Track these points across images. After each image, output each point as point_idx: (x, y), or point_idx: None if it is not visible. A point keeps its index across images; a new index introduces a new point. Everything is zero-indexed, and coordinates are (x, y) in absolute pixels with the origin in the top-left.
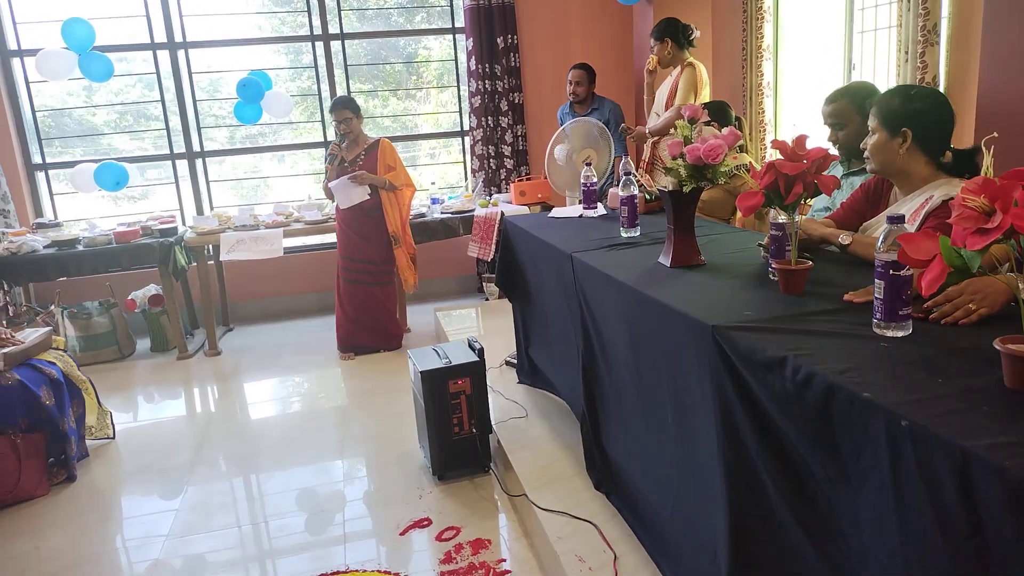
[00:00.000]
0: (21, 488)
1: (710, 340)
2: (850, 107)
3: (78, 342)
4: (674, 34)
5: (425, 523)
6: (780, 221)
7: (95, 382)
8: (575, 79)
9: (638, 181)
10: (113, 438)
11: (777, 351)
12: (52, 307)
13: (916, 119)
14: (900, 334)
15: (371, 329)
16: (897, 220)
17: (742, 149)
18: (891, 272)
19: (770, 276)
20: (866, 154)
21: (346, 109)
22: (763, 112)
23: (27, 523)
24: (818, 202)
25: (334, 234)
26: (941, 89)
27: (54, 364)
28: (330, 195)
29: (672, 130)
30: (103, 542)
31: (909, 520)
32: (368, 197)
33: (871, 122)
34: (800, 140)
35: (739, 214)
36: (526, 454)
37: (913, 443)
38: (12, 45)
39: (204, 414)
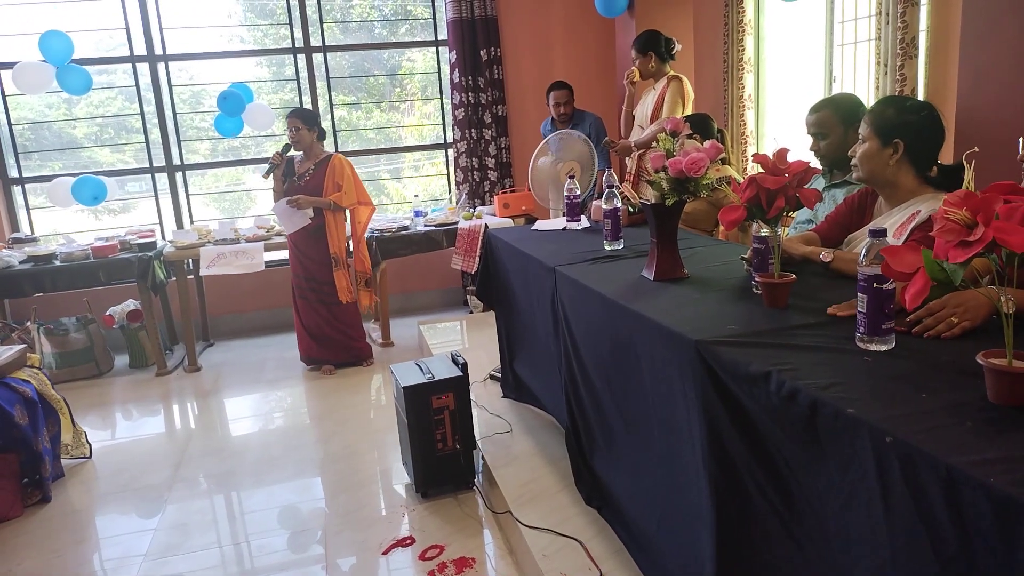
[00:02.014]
0: None
1: (694, 355)
2: (834, 118)
3: (54, 359)
4: (656, 47)
5: (408, 542)
6: (763, 234)
7: (72, 399)
8: (560, 100)
9: (621, 193)
10: (90, 457)
11: (761, 366)
12: (28, 323)
13: (910, 131)
14: (883, 348)
15: (335, 346)
16: (879, 234)
17: (724, 162)
18: (874, 285)
19: (753, 290)
20: (854, 161)
21: (296, 118)
22: (745, 124)
23: (1, 546)
24: (801, 214)
25: None
26: None
27: (28, 382)
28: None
29: (655, 143)
30: (78, 564)
31: (898, 535)
32: (310, 221)
33: (863, 130)
34: (781, 154)
35: (722, 227)
36: (511, 470)
37: (899, 459)
38: None
39: (183, 431)
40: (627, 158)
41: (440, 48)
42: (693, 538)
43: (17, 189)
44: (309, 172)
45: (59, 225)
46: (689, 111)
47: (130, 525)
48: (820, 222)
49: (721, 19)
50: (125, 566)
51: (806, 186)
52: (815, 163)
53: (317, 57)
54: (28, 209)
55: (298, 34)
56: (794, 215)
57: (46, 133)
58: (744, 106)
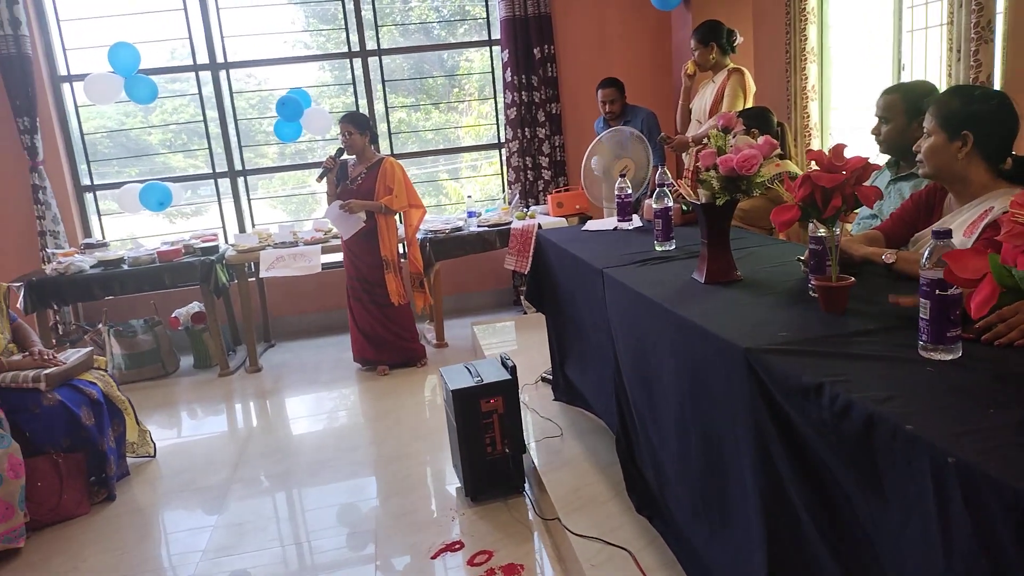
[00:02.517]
0: (62, 507)
1: (743, 363)
2: (900, 104)
3: (123, 360)
4: (719, 37)
5: (457, 547)
6: (819, 235)
7: (139, 399)
8: (607, 98)
9: (675, 191)
10: (154, 456)
11: (814, 376)
12: (100, 325)
13: (978, 122)
14: (948, 357)
15: (388, 347)
16: (943, 235)
17: (784, 156)
18: (936, 292)
19: (810, 293)
20: (919, 157)
21: (348, 123)
22: (808, 117)
23: (67, 543)
24: (864, 210)
25: None
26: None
27: (95, 384)
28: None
29: (706, 139)
30: (140, 562)
31: (956, 562)
32: (363, 224)
33: (927, 123)
34: (837, 149)
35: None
36: (560, 475)
37: (961, 482)
38: (62, 71)
39: (243, 431)
40: (684, 154)
41: (493, 47)
42: (744, 558)
43: (89, 196)
44: (361, 176)
45: (136, 229)
46: (750, 104)
47: (190, 523)
48: (885, 219)
49: (783, 8)
50: (184, 563)
51: (866, 183)
52: (876, 158)
53: (373, 61)
54: (99, 215)
55: (355, 38)
56: (858, 211)
57: (123, 140)
58: (807, 98)
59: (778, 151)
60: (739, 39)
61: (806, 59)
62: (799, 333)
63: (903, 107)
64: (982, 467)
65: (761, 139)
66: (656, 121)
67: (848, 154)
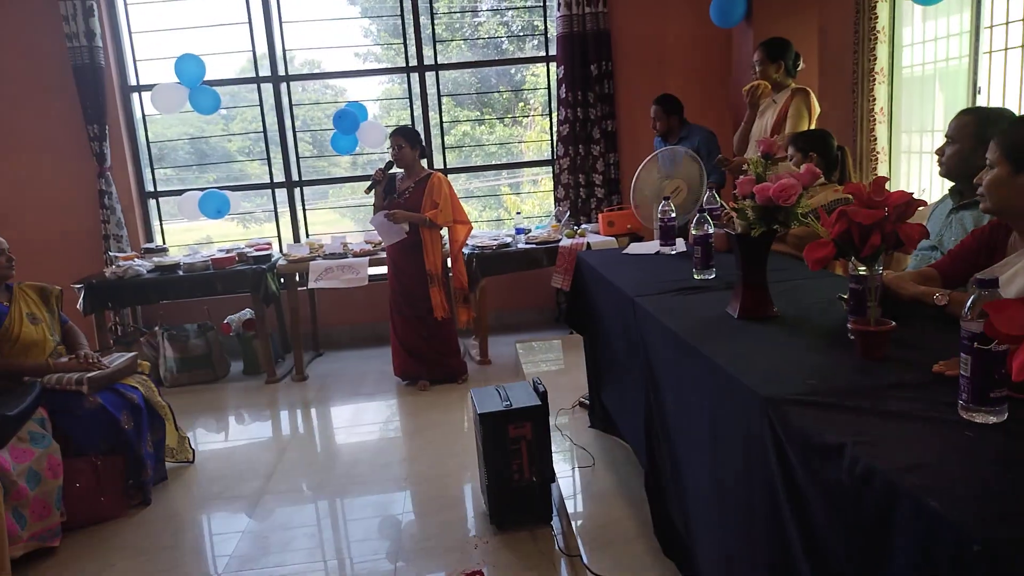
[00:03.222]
0: (99, 509)
1: (761, 413)
2: (971, 127)
3: (175, 363)
4: (787, 55)
5: None
6: (859, 273)
7: (187, 402)
8: (654, 115)
9: (726, 215)
10: (192, 462)
11: (836, 435)
12: (155, 328)
13: None
14: (991, 420)
15: (429, 361)
16: (988, 284)
17: (844, 182)
18: (977, 346)
19: (849, 335)
20: (981, 190)
21: (399, 136)
22: (875, 140)
23: (100, 545)
24: (924, 240)
25: None
26: None
27: (136, 389)
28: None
29: (745, 167)
30: (170, 567)
31: None
32: (406, 235)
33: (991, 154)
34: (878, 183)
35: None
36: (589, 509)
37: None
38: (132, 81)
39: (282, 440)
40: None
41: (551, 64)
42: None
43: (152, 203)
44: (409, 190)
45: (211, 232)
46: (813, 126)
47: (220, 530)
48: (944, 255)
49: (851, 26)
50: (211, 570)
51: (915, 216)
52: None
53: (431, 75)
54: (161, 221)
55: (413, 51)
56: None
57: (203, 146)
58: (875, 120)
59: (820, 179)
60: (802, 65)
61: (874, 80)
62: (828, 381)
63: (973, 130)
64: (1015, 556)
65: (803, 167)
66: (715, 141)
67: (912, 181)
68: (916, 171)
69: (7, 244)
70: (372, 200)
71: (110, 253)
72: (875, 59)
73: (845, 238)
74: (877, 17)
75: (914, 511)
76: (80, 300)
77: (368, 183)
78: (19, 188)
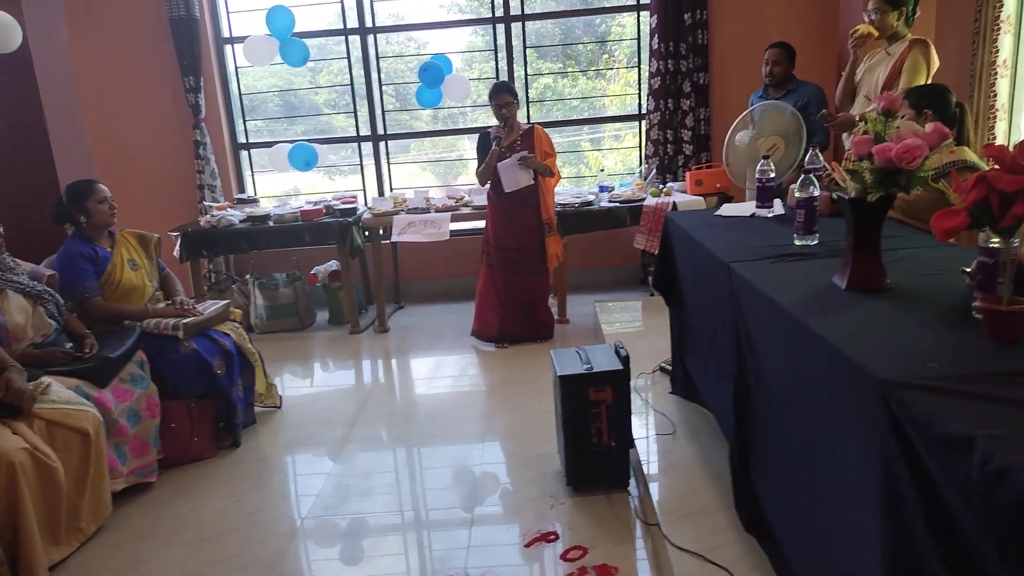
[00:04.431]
0: (192, 450)
1: (877, 397)
2: None
3: (265, 311)
4: (909, 3)
5: (552, 537)
6: (992, 245)
7: (275, 349)
8: (772, 58)
9: (828, 176)
10: (279, 407)
11: (964, 426)
12: (247, 276)
13: None
14: None
15: (523, 319)
16: None
17: (963, 142)
18: None
19: (973, 314)
20: None
21: (507, 93)
22: (995, 95)
23: (192, 484)
24: None
25: None
26: None
27: (228, 336)
28: (484, 181)
29: (861, 123)
30: (254, 511)
31: None
32: (532, 182)
33: None
34: None
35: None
36: (668, 478)
37: None
38: (225, 33)
39: (365, 389)
40: (845, 135)
41: (641, 13)
42: None
43: (244, 154)
44: (517, 143)
45: (300, 184)
46: (930, 82)
47: (302, 479)
48: None
49: None
50: (298, 508)
51: None
52: None
53: (517, 27)
54: (253, 171)
55: (500, 1)
56: None
57: (292, 99)
58: (996, 74)
59: (947, 139)
60: (919, 13)
61: (999, 28)
62: (953, 366)
63: None
64: None
65: (930, 126)
66: (824, 99)
67: None
68: None
69: (110, 193)
70: (460, 155)
71: (205, 203)
72: (1001, 6)
73: (982, 206)
74: None
75: None
76: (176, 248)
77: (495, 141)
78: (120, 139)
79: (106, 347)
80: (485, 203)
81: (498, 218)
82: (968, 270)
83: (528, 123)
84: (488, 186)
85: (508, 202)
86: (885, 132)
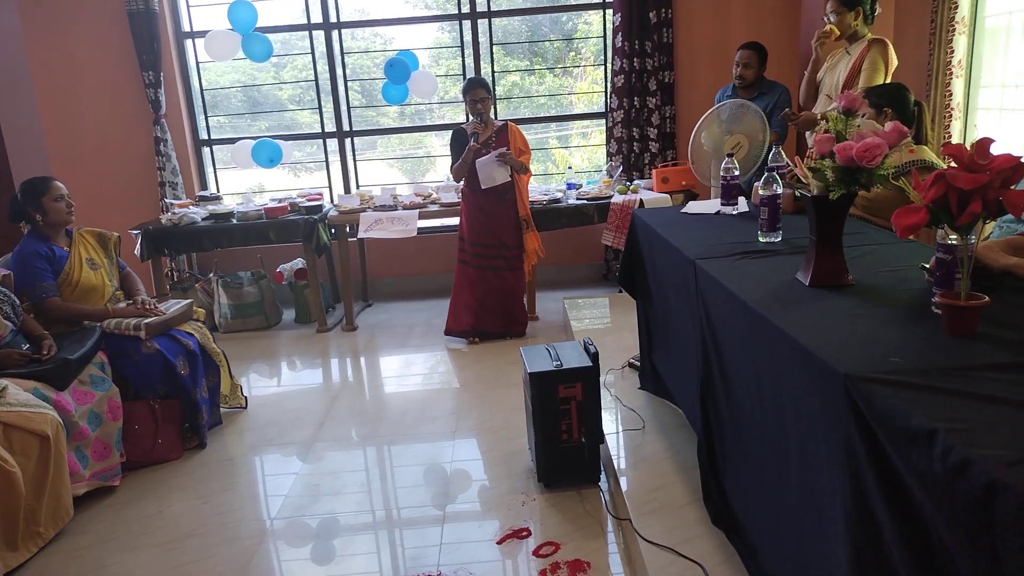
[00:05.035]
0: (157, 451)
1: (841, 391)
2: None
3: (230, 309)
4: (865, 3)
5: (524, 534)
6: (950, 242)
7: (241, 349)
8: (743, 60)
9: (791, 175)
10: (245, 407)
11: (925, 419)
12: (210, 275)
13: None
14: None
15: (498, 314)
16: None
17: (920, 140)
18: None
19: (933, 309)
20: None
21: (482, 88)
22: (950, 95)
23: (158, 485)
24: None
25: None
26: None
27: (192, 336)
28: (459, 177)
29: (823, 123)
30: (221, 512)
31: None
32: (509, 179)
33: None
34: (982, 144)
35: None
36: (637, 473)
37: None
38: (186, 27)
39: (333, 389)
40: (808, 133)
41: (607, 11)
42: None
43: (206, 151)
44: (492, 139)
45: (263, 181)
46: (889, 80)
47: (271, 480)
48: None
49: None
50: (266, 510)
51: (1015, 187)
52: None
53: (484, 24)
54: (215, 168)
55: None
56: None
57: (255, 94)
58: (951, 74)
59: (906, 139)
60: (879, 10)
61: (954, 30)
62: (914, 360)
63: None
64: None
65: (889, 125)
66: (791, 100)
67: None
68: (993, 130)
69: (67, 190)
70: (442, 152)
71: (166, 200)
72: (956, 7)
73: (941, 204)
74: None
75: (1017, 508)
76: (137, 246)
77: (472, 137)
78: (78, 135)
79: (65, 348)
80: (453, 200)
81: (475, 215)
82: (927, 266)
83: (500, 120)
84: (462, 183)
85: (485, 199)
86: (846, 131)
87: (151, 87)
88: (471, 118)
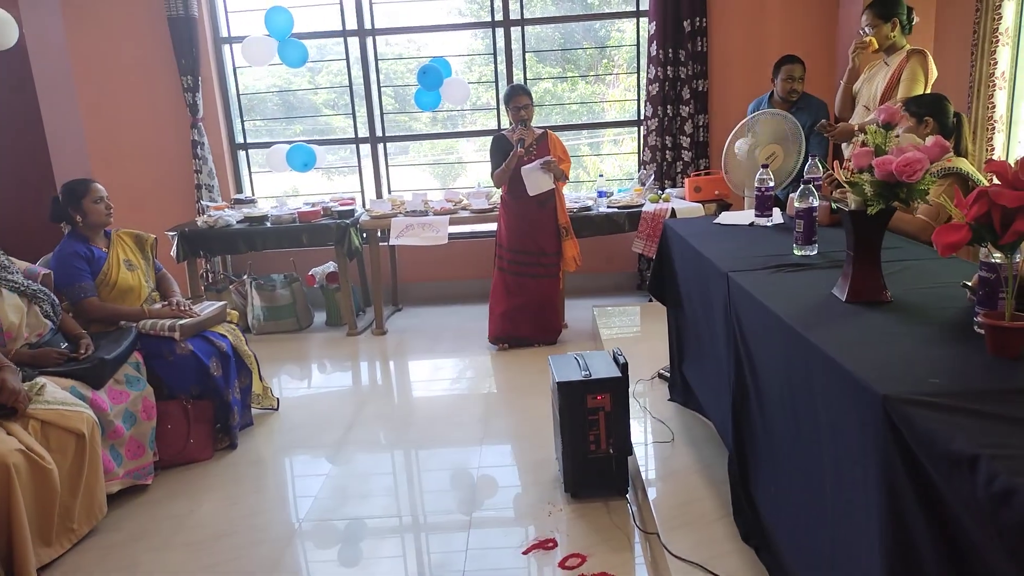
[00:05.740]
0: (189, 451)
1: (880, 412)
2: None
3: (262, 311)
4: (901, 12)
5: (550, 544)
6: (994, 260)
7: (272, 350)
8: (795, 74)
9: (829, 176)
10: (276, 409)
11: (968, 444)
12: (244, 277)
13: None
14: None
15: (533, 321)
16: None
17: (959, 153)
18: None
19: (975, 328)
20: None
21: (525, 95)
22: (993, 107)
23: (189, 485)
24: None
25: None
26: None
27: (225, 337)
28: (501, 183)
29: (861, 135)
30: (251, 515)
31: None
32: (553, 187)
33: None
34: None
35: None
36: (666, 486)
37: None
38: (224, 32)
39: (362, 392)
40: (845, 145)
41: (641, 19)
42: None
43: (242, 154)
44: (533, 147)
45: (298, 185)
46: (929, 92)
47: (300, 481)
48: None
49: None
50: (294, 511)
51: None
52: None
53: (516, 31)
54: (251, 171)
55: (499, 5)
56: None
57: (291, 99)
58: (994, 86)
59: (948, 153)
60: (916, 19)
61: (997, 40)
62: (956, 382)
63: None
64: None
65: (931, 139)
66: (828, 113)
67: None
68: None
69: (106, 192)
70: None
71: (202, 203)
72: (1000, 18)
73: (983, 221)
74: None
75: None
76: (173, 248)
77: (518, 143)
78: (117, 138)
79: (102, 348)
80: (484, 207)
81: (516, 223)
82: (969, 284)
83: (539, 128)
84: (502, 190)
85: (526, 206)
86: (885, 145)
87: (189, 91)
88: (515, 125)
